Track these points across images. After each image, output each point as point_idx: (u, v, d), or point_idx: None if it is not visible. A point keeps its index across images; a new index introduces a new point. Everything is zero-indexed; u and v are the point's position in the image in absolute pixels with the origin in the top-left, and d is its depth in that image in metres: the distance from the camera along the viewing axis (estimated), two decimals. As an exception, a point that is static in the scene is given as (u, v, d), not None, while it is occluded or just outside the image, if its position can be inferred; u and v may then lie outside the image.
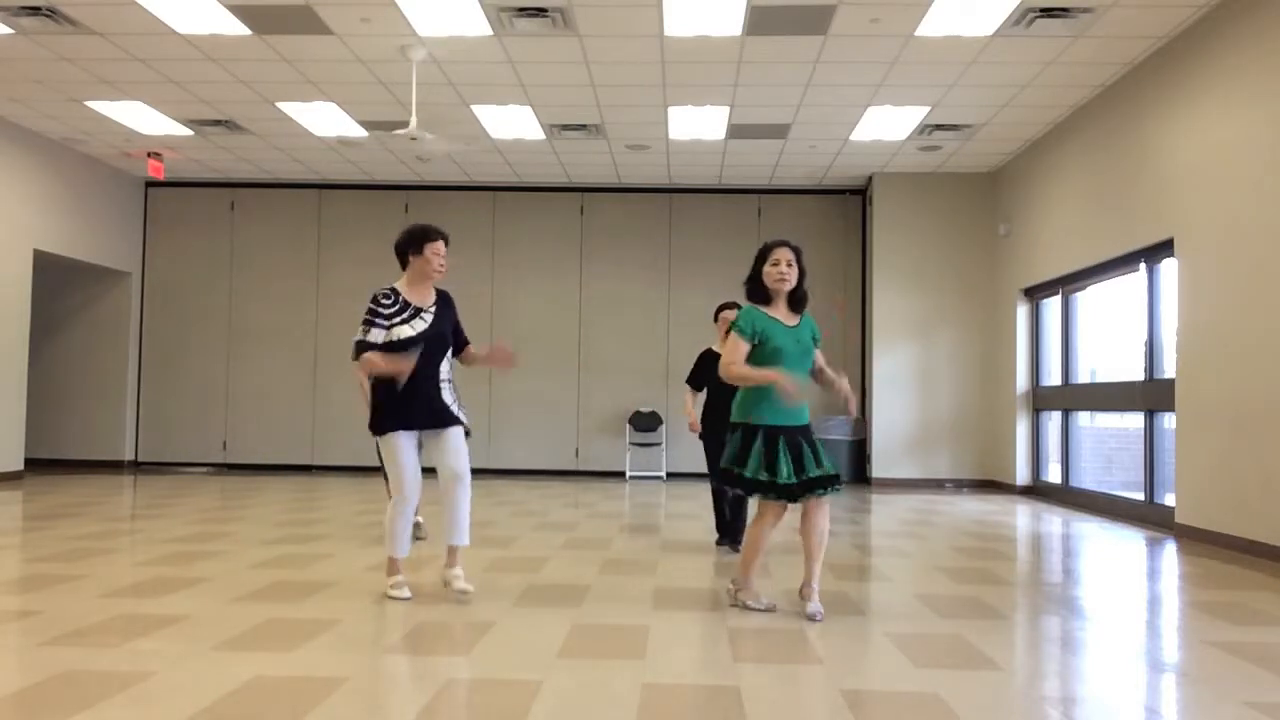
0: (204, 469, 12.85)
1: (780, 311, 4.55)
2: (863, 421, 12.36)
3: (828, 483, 4.42)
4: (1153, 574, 6.02)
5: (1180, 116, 7.67)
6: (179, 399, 13.05)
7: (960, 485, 11.85)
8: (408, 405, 4.62)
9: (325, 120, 10.17)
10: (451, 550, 4.81)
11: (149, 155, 11.67)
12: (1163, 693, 3.45)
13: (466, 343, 4.93)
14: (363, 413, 4.98)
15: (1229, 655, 3.86)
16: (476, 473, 12.88)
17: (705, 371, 6.42)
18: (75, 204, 11.75)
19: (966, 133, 10.32)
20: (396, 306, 4.65)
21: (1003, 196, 11.69)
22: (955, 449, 11.93)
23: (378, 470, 12.79)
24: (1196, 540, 7.25)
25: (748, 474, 4.40)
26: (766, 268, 4.53)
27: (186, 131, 10.70)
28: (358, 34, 7.84)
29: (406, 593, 4.74)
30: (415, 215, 12.98)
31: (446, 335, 4.76)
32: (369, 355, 4.52)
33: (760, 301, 4.57)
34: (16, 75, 8.99)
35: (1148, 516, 8.35)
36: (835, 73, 8.56)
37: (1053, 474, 10.73)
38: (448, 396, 4.72)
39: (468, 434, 4.83)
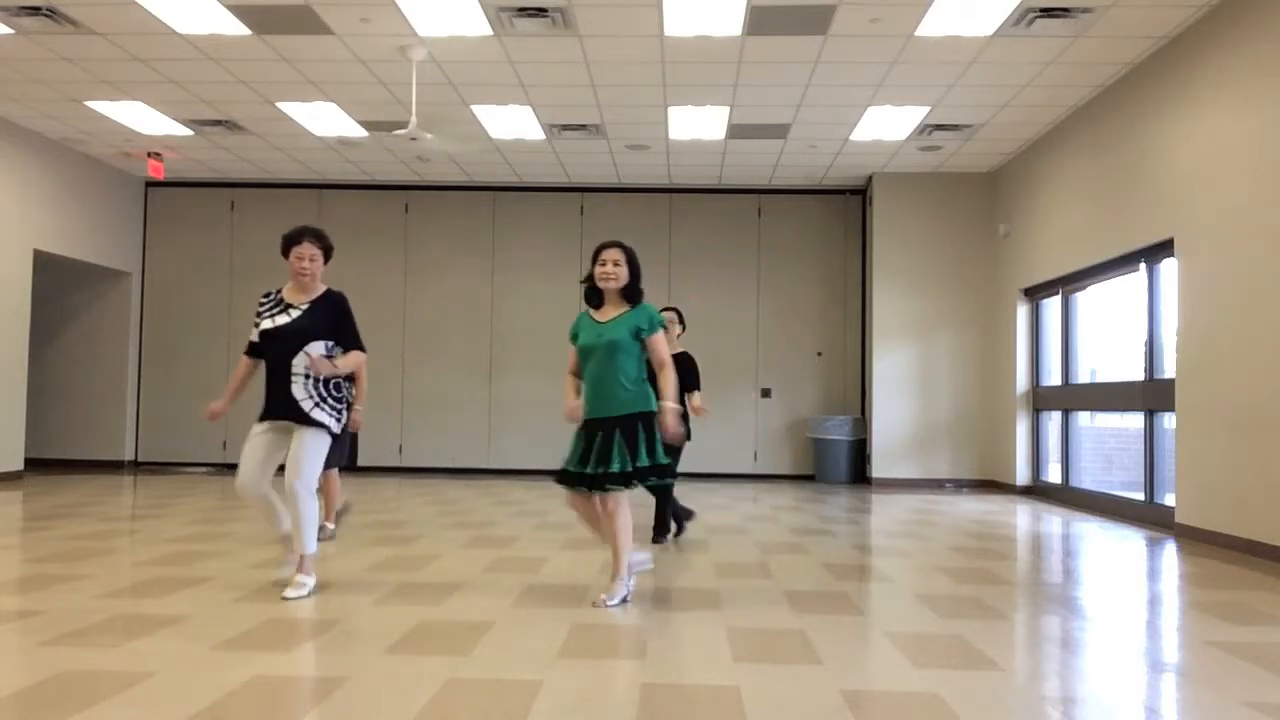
0: (204, 469, 12.85)
1: (603, 310, 4.77)
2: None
3: (604, 481, 4.57)
4: (1153, 574, 6.02)
5: (1180, 116, 7.67)
6: (179, 399, 13.04)
7: (960, 485, 11.85)
8: (266, 397, 4.84)
9: (325, 120, 10.17)
10: (300, 558, 4.86)
11: (149, 155, 11.67)
12: (1163, 693, 3.45)
13: (352, 348, 4.95)
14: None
15: (1229, 655, 3.86)
16: (476, 472, 12.87)
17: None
18: (75, 204, 11.75)
19: (966, 133, 10.32)
20: (269, 304, 4.99)
21: (1003, 196, 11.69)
22: (955, 449, 11.93)
23: (376, 470, 12.82)
24: (1196, 540, 7.25)
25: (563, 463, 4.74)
26: (595, 268, 4.74)
27: (186, 131, 10.70)
28: (358, 34, 7.84)
29: (285, 580, 4.96)
30: (415, 215, 13.01)
31: (308, 333, 4.83)
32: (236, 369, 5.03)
33: (595, 303, 4.80)
34: (16, 75, 8.99)
35: (1148, 516, 8.35)
36: (835, 73, 8.56)
37: (1053, 474, 10.73)
38: (299, 392, 4.79)
39: (337, 435, 4.89)
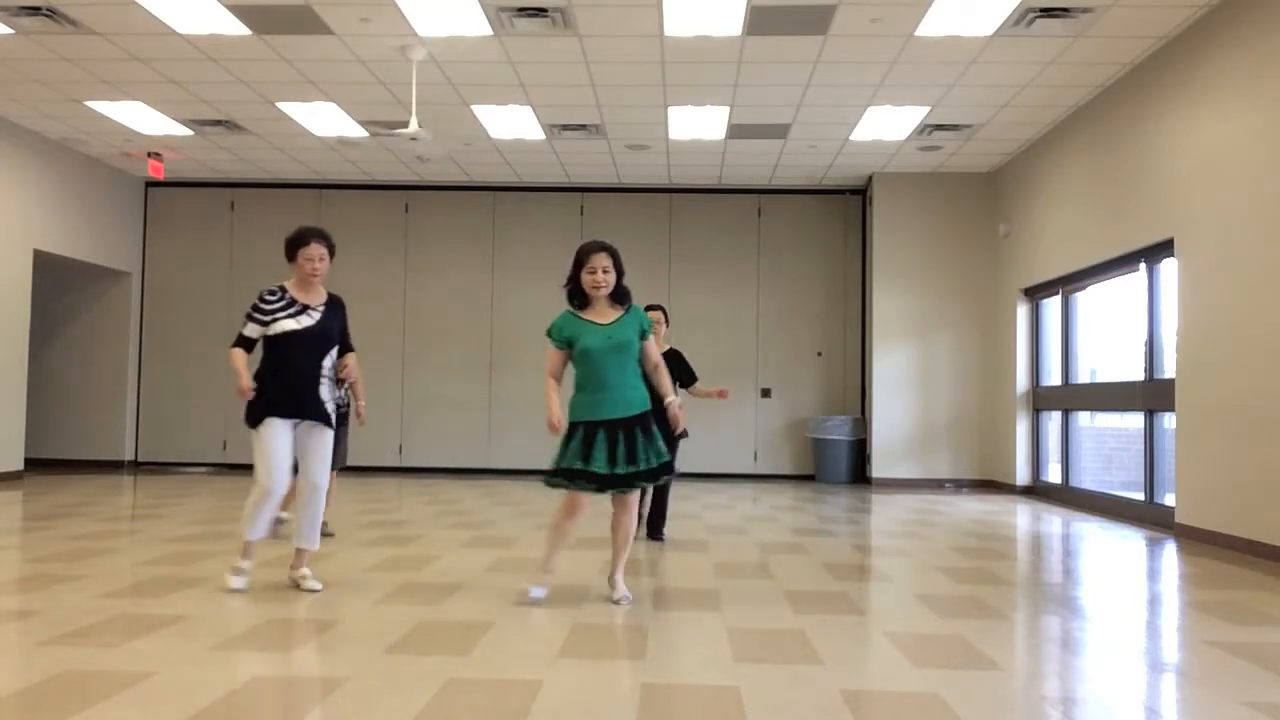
0: (204, 469, 12.85)
1: (595, 312, 4.73)
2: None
3: (637, 479, 4.62)
4: (1153, 574, 6.02)
5: (1180, 116, 7.67)
6: (179, 399, 13.04)
7: (960, 485, 11.85)
8: (282, 395, 4.79)
9: (325, 120, 10.17)
10: (299, 552, 4.95)
11: (149, 155, 11.67)
12: (1163, 693, 3.45)
13: (348, 349, 5.11)
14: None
15: (1229, 655, 3.86)
16: (477, 473, 12.88)
17: None
18: (75, 204, 11.75)
19: (966, 133, 10.32)
20: (281, 303, 4.85)
21: (1003, 196, 11.69)
22: (955, 449, 11.93)
23: (376, 470, 12.81)
24: (1196, 540, 7.25)
25: (564, 464, 4.67)
26: (584, 274, 4.69)
27: (186, 131, 10.70)
28: (358, 34, 7.84)
29: (239, 583, 4.87)
30: (415, 215, 13.01)
31: (331, 335, 4.93)
32: (234, 361, 4.77)
33: (579, 305, 4.76)
34: (16, 75, 8.99)
35: (1148, 516, 8.35)
36: (835, 73, 8.56)
37: (1053, 474, 10.73)
38: (324, 393, 4.89)
39: (339, 429, 4.91)
